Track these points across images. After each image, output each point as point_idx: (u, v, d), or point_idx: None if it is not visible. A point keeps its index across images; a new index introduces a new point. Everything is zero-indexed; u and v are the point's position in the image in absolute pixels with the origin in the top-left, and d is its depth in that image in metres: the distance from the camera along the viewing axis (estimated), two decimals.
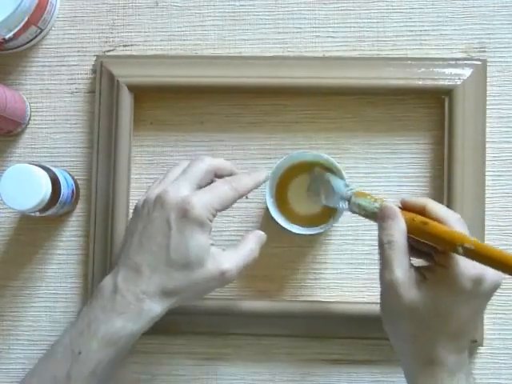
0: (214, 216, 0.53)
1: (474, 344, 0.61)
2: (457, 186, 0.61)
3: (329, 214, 0.61)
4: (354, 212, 0.55)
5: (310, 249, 0.64)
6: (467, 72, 0.62)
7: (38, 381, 0.53)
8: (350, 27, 0.65)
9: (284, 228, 0.60)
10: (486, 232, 0.62)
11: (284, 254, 0.64)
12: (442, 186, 0.62)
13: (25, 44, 0.66)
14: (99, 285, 0.54)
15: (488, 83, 0.63)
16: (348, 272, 0.64)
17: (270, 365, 0.64)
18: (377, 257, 0.63)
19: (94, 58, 0.66)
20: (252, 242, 0.55)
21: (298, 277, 0.64)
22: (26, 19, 0.62)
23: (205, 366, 0.64)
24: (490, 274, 0.49)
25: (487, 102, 0.63)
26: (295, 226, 0.61)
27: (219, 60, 0.64)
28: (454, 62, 0.63)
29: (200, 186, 0.54)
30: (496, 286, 0.50)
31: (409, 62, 0.63)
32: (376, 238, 0.64)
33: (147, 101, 0.66)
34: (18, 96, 0.65)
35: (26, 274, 0.66)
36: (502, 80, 0.64)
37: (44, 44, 0.67)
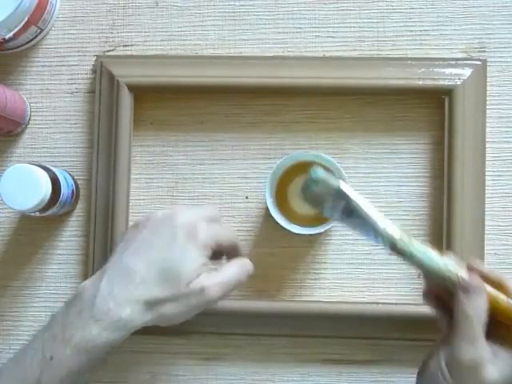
0: (213, 249, 0.53)
1: None
2: (457, 185, 0.61)
3: None
4: (394, 254, 0.49)
5: (310, 249, 0.64)
6: (467, 72, 0.62)
7: (5, 382, 0.51)
8: (350, 27, 0.65)
9: (284, 228, 0.60)
10: (486, 232, 0.62)
11: (284, 254, 0.64)
12: (442, 185, 0.62)
13: (25, 44, 0.66)
14: (78, 288, 0.52)
15: (488, 83, 0.63)
16: (348, 272, 0.64)
17: (270, 365, 0.64)
18: (377, 257, 0.64)
19: (94, 58, 0.66)
20: (236, 266, 0.55)
21: (298, 277, 0.64)
22: (26, 19, 0.62)
23: (205, 366, 0.64)
24: None
25: (487, 102, 0.63)
26: (295, 226, 0.61)
27: (219, 60, 0.64)
28: (454, 62, 0.63)
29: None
30: None
31: (409, 62, 0.63)
32: None
33: (147, 101, 0.66)
34: (18, 96, 0.65)
35: (25, 274, 0.66)
36: (502, 80, 0.64)
37: (44, 44, 0.67)
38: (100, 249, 0.63)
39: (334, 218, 0.51)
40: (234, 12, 0.66)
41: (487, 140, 0.62)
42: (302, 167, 0.61)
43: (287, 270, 0.64)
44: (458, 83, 0.61)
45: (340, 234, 0.64)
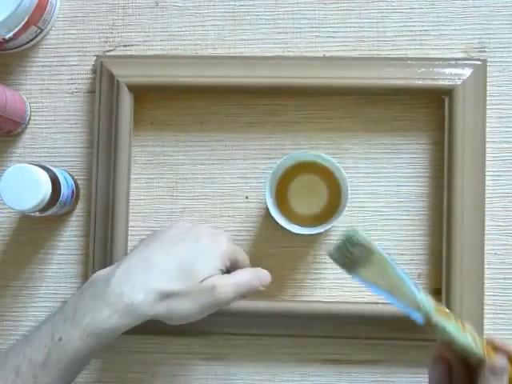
0: (230, 262, 0.56)
1: None
2: (457, 185, 0.61)
3: (329, 214, 0.61)
4: (426, 326, 0.49)
5: (310, 249, 0.64)
6: (467, 72, 0.62)
7: (11, 361, 0.51)
8: (350, 27, 0.65)
9: (284, 228, 0.60)
10: (486, 232, 0.62)
11: (284, 254, 0.64)
12: (442, 185, 0.62)
13: (25, 44, 0.66)
14: (93, 275, 0.54)
15: (488, 83, 0.63)
16: None
17: (270, 365, 0.64)
18: None
19: (94, 58, 0.66)
20: (250, 271, 0.57)
21: (298, 277, 0.64)
22: (26, 19, 0.62)
23: (205, 366, 0.64)
24: None
25: (487, 102, 0.63)
26: (295, 225, 0.61)
27: (219, 60, 0.64)
28: (453, 62, 0.63)
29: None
30: None
31: (409, 62, 0.63)
32: (376, 238, 0.64)
33: (148, 101, 0.66)
34: (18, 96, 0.65)
35: (26, 274, 0.66)
36: (502, 80, 0.64)
37: (44, 44, 0.67)
38: (100, 249, 0.63)
39: (365, 282, 0.49)
40: (234, 12, 0.66)
41: (487, 140, 0.62)
42: (302, 167, 0.61)
43: (287, 270, 0.64)
44: (458, 83, 0.61)
45: (340, 234, 0.64)
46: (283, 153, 0.63)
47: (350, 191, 0.59)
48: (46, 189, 0.58)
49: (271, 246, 0.64)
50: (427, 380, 0.62)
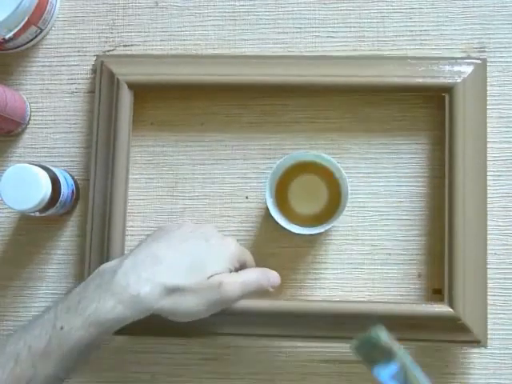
0: (239, 264, 0.56)
1: (478, 344, 0.60)
2: (458, 185, 0.60)
3: (329, 214, 0.61)
4: None
5: (310, 249, 0.64)
6: (467, 69, 0.61)
7: (11, 348, 0.50)
8: (350, 27, 0.65)
9: (284, 228, 0.60)
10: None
11: (284, 254, 0.64)
12: (442, 185, 0.62)
13: (25, 44, 0.66)
14: (100, 267, 0.54)
15: (488, 83, 0.63)
16: (348, 272, 0.64)
17: (270, 365, 0.64)
18: (377, 257, 0.64)
19: (94, 58, 0.66)
20: (258, 271, 0.58)
21: (297, 277, 0.64)
22: (26, 19, 0.62)
23: (205, 366, 0.64)
24: None
25: (487, 102, 0.63)
26: (295, 226, 0.60)
27: (220, 59, 0.64)
28: (454, 61, 0.62)
29: None
30: None
31: (409, 60, 0.63)
32: (376, 238, 0.64)
33: (148, 101, 0.66)
34: (18, 96, 0.65)
35: (26, 274, 0.66)
36: (502, 80, 0.64)
37: (44, 44, 0.67)
38: (96, 248, 0.62)
39: (382, 379, 0.50)
40: (234, 12, 0.66)
41: (487, 140, 0.62)
42: (302, 167, 0.61)
43: (287, 270, 0.64)
44: (459, 81, 0.61)
45: (340, 234, 0.64)
46: (283, 153, 0.63)
47: (349, 191, 0.59)
48: (46, 189, 0.58)
49: (271, 246, 0.64)
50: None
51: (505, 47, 0.64)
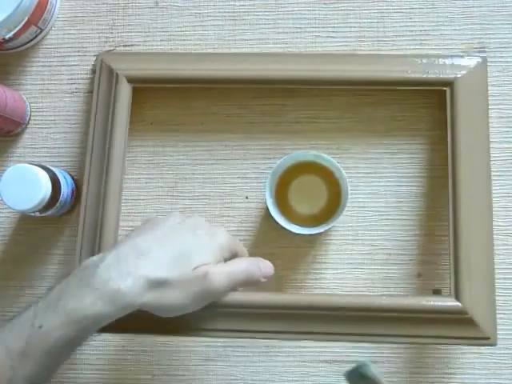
0: (228, 255, 0.54)
1: (488, 341, 0.58)
2: (460, 184, 0.60)
3: (329, 214, 0.61)
4: None
5: (310, 249, 0.64)
6: (469, 63, 0.61)
7: None
8: (350, 27, 0.65)
9: (284, 228, 0.60)
10: None
11: (284, 254, 0.64)
12: (442, 185, 0.62)
13: (25, 44, 0.66)
14: (84, 261, 0.51)
15: (488, 83, 0.63)
16: (348, 272, 0.64)
17: (270, 365, 0.64)
18: (377, 257, 0.64)
19: (94, 58, 0.66)
20: (246, 260, 0.55)
21: (297, 277, 0.64)
22: (26, 19, 0.62)
23: (205, 366, 0.64)
24: None
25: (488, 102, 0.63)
26: (295, 225, 0.60)
27: (220, 56, 0.64)
28: (455, 57, 0.62)
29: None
30: None
31: (409, 58, 0.62)
32: (376, 238, 0.64)
33: (147, 101, 0.66)
34: (18, 96, 0.65)
35: (26, 274, 0.66)
36: (502, 80, 0.64)
37: (44, 44, 0.67)
38: (88, 248, 0.62)
39: None
40: (234, 12, 0.66)
41: None
42: (302, 167, 0.61)
43: (287, 270, 0.64)
44: (459, 76, 0.61)
45: (340, 234, 0.64)
46: (283, 153, 0.63)
47: (350, 191, 0.59)
48: (46, 189, 0.58)
49: (271, 246, 0.64)
50: (427, 380, 0.62)
51: (505, 47, 0.64)
